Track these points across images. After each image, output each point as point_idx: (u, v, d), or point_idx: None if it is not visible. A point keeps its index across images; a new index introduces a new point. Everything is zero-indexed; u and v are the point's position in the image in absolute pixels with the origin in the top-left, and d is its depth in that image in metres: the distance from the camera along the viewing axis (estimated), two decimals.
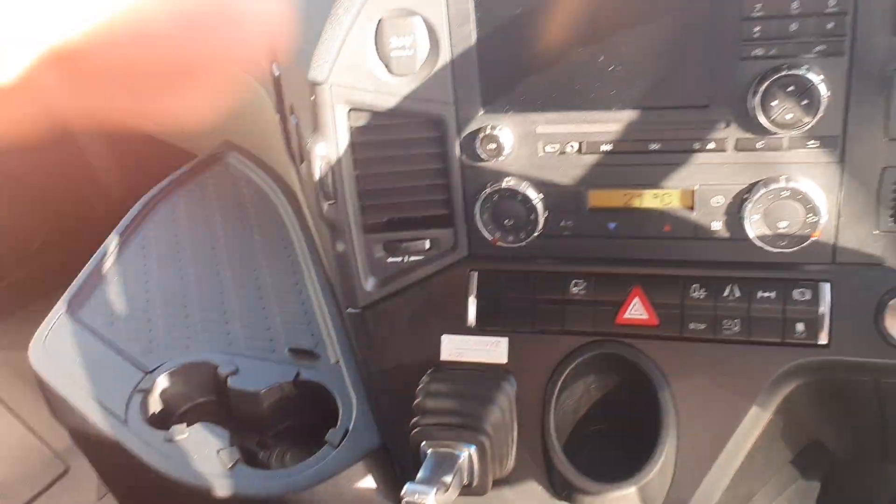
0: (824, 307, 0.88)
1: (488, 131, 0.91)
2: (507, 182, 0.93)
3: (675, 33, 0.84)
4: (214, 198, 1.52)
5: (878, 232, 0.86)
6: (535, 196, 0.92)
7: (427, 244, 0.98)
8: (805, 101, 0.80)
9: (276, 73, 1.18)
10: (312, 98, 0.92)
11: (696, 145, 0.87)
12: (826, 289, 0.88)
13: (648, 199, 0.91)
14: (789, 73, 0.80)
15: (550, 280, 0.97)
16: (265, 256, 1.36)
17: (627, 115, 0.88)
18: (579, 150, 0.91)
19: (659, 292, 0.93)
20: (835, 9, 0.78)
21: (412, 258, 0.99)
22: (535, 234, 0.94)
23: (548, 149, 0.92)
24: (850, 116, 0.82)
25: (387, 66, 0.90)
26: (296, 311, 1.24)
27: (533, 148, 0.92)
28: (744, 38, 0.81)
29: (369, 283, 1.00)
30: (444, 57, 0.90)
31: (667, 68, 0.86)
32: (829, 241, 0.87)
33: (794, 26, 0.80)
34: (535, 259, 0.97)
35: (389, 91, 0.91)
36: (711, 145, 0.87)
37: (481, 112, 0.92)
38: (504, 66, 0.90)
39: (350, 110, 0.92)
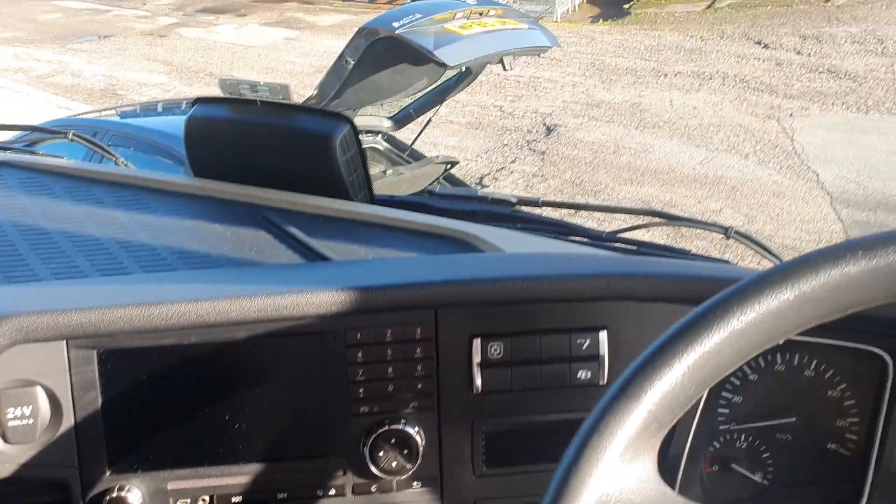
0: None
1: (115, 493, 0.90)
2: None
3: (292, 393, 0.94)
4: None
5: None
6: None
7: None
8: (405, 451, 0.93)
9: None
10: None
11: (320, 492, 0.95)
12: None
13: None
14: (391, 427, 0.93)
15: None
16: None
17: (255, 468, 0.94)
18: (211, 503, 0.94)
19: None
20: (422, 373, 0.94)
21: None
22: None
23: None
24: (444, 460, 0.96)
25: (2, 436, 0.88)
26: None
27: None
28: (351, 398, 0.93)
29: None
30: (68, 422, 0.89)
31: (287, 423, 0.94)
32: None
33: (391, 388, 0.94)
34: None
35: (6, 460, 0.88)
36: (332, 491, 0.95)
37: (108, 473, 0.91)
38: (132, 428, 0.92)
39: None
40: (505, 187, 6.08)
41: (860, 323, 0.94)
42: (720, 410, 1.00)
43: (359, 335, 0.92)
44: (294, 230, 1.24)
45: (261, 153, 1.40)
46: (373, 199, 1.45)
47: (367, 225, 1.30)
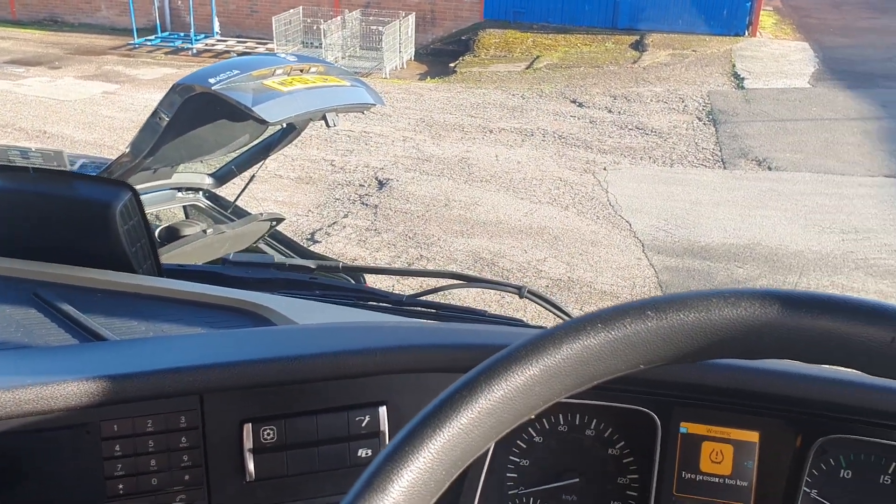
0: None
1: None
2: None
3: (43, 494, 0.85)
4: None
5: None
6: None
7: None
8: None
9: None
10: None
11: None
12: None
13: None
14: None
15: None
16: None
17: None
18: None
19: None
20: (188, 463, 0.88)
21: None
22: None
23: None
24: None
25: None
26: None
27: None
28: (110, 496, 0.86)
29: None
30: None
31: None
32: None
33: (155, 481, 0.87)
34: None
35: None
36: None
37: None
38: None
39: None
40: (338, 242, 6.04)
41: (630, 384, 0.97)
42: (509, 475, 1.00)
43: (115, 427, 0.85)
44: (68, 308, 1.15)
45: (33, 224, 1.30)
46: (160, 271, 1.38)
47: (151, 299, 1.23)
